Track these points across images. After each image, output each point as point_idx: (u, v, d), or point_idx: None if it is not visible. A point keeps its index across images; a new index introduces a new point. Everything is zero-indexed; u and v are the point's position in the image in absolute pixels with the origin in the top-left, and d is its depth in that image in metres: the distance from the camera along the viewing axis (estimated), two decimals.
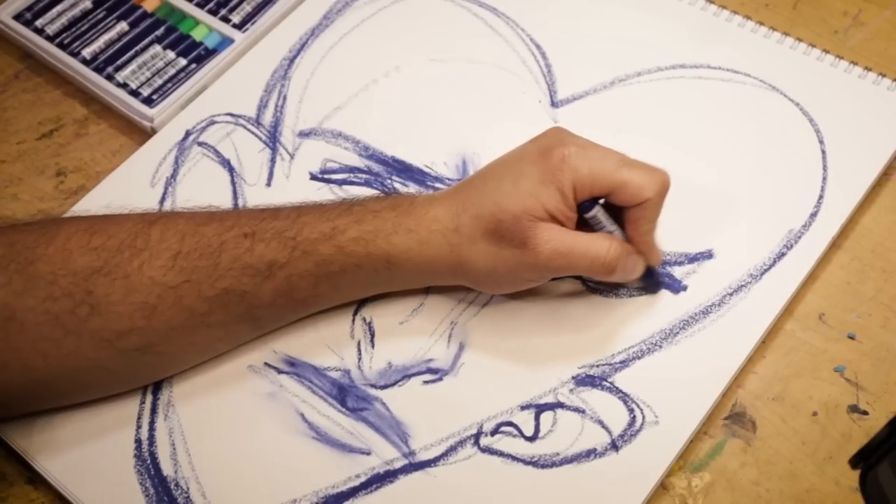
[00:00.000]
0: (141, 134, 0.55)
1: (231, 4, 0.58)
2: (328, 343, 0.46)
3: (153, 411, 0.45)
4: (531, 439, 0.43)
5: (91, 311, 0.40)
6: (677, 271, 0.47)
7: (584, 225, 0.43)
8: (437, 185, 0.51)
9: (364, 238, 0.42)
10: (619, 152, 0.43)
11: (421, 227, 0.43)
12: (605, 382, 0.44)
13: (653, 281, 0.46)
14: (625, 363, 0.44)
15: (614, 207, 0.43)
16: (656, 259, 0.45)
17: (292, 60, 0.56)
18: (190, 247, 0.41)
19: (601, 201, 0.43)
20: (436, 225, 0.42)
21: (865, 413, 0.43)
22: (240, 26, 0.57)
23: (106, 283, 0.40)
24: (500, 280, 0.43)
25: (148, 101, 0.55)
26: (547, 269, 0.42)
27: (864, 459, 0.35)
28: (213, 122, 0.54)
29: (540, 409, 0.44)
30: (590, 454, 0.42)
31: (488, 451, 0.43)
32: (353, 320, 0.47)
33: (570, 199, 0.42)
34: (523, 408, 0.44)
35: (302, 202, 0.45)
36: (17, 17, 0.58)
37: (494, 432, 0.43)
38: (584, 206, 0.42)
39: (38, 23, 0.58)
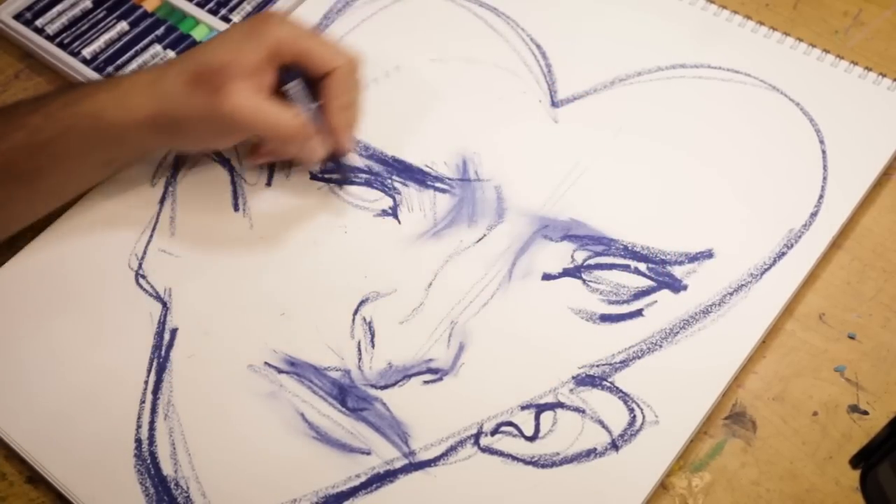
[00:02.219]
0: None
1: (231, 4, 0.58)
2: (328, 343, 0.46)
3: (153, 411, 0.45)
4: (531, 439, 0.43)
5: None
6: (677, 271, 0.47)
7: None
8: (437, 184, 0.51)
9: (70, 102, 0.45)
10: (320, 33, 0.49)
11: (125, 82, 0.45)
12: (605, 382, 0.44)
13: (341, 169, 0.47)
14: (625, 363, 0.44)
15: (315, 89, 0.46)
16: (345, 144, 0.47)
17: None
18: None
19: (300, 80, 0.46)
20: (140, 78, 0.45)
21: (866, 413, 0.43)
22: None
23: None
24: (191, 131, 0.46)
25: None
26: (232, 122, 0.44)
27: (865, 459, 0.35)
28: None
29: (540, 408, 0.43)
30: (590, 454, 0.42)
31: (488, 450, 0.43)
32: (353, 320, 0.47)
33: (272, 54, 0.44)
34: (523, 408, 0.44)
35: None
36: (18, 17, 0.58)
37: (494, 432, 0.43)
38: (284, 78, 0.45)
39: (39, 22, 0.58)
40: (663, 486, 0.42)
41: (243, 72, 0.44)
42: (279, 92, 0.46)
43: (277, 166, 0.52)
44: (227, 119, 0.44)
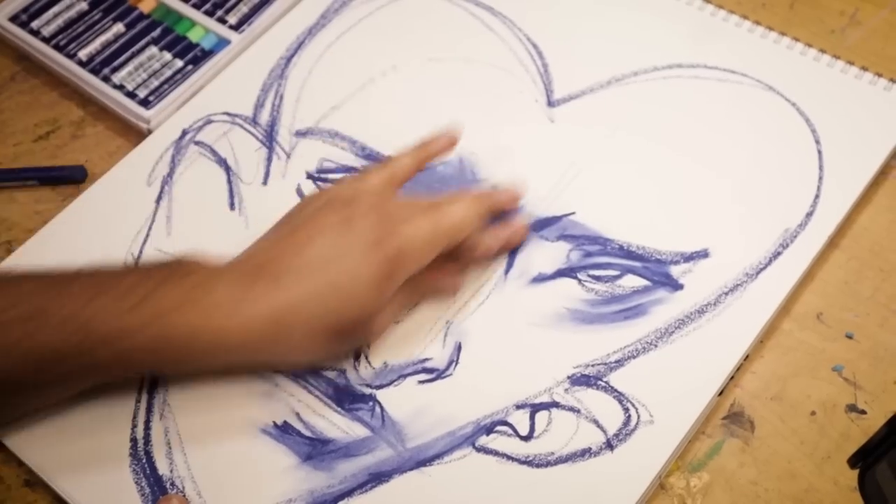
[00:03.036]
0: (138, 136, 0.55)
1: (227, 5, 0.58)
2: None
3: (149, 410, 0.45)
4: (526, 439, 0.43)
5: None
6: (673, 270, 0.47)
7: None
8: (434, 184, 0.50)
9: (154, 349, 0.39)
10: (434, 202, 0.43)
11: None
12: (600, 382, 0.44)
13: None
14: (620, 362, 0.44)
15: None
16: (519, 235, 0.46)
17: (289, 60, 0.56)
18: None
19: None
20: (250, 335, 0.40)
21: (864, 412, 0.43)
22: (236, 27, 0.57)
23: None
24: (323, 363, 0.44)
25: (144, 103, 0.55)
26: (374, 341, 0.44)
27: (863, 459, 0.35)
28: (209, 122, 0.54)
29: (535, 408, 0.43)
30: (585, 453, 0.42)
31: (483, 450, 0.43)
32: None
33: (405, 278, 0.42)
34: (518, 407, 0.43)
35: (100, 267, 0.41)
36: (13, 19, 0.58)
37: (489, 432, 0.43)
38: None
39: (34, 24, 0.58)
40: (661, 486, 0.42)
41: (381, 309, 0.41)
42: None
43: (273, 166, 0.52)
44: (370, 343, 0.44)
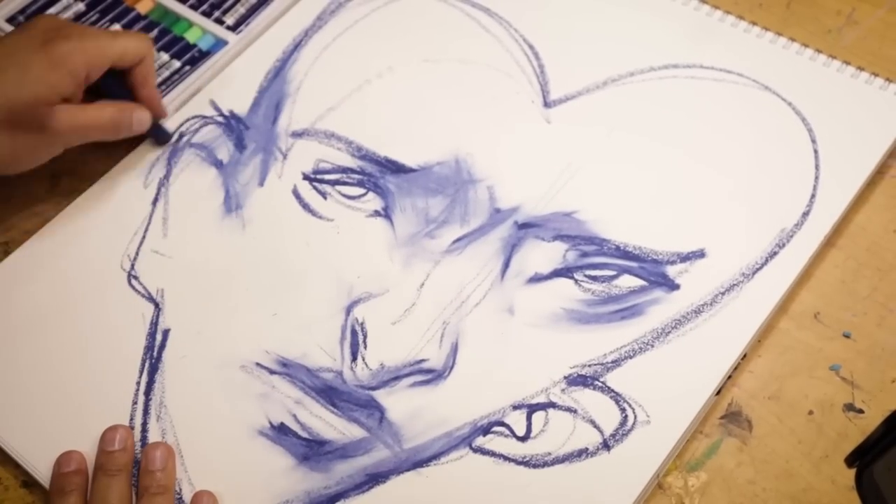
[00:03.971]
0: (136, 136, 0.55)
1: (225, 6, 0.58)
2: (320, 344, 0.46)
3: (145, 412, 0.45)
4: (523, 439, 0.43)
5: None
6: (670, 270, 0.47)
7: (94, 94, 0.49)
8: (430, 184, 0.50)
9: None
10: (101, 29, 0.52)
11: None
12: (596, 382, 0.44)
13: (161, 133, 0.53)
14: (617, 363, 0.44)
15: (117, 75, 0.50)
16: (162, 111, 0.52)
17: (286, 62, 0.56)
18: None
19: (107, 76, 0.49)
20: None
21: (861, 411, 0.43)
22: (233, 28, 0.57)
23: None
24: (22, 160, 0.48)
25: None
26: (68, 143, 0.48)
27: (860, 458, 0.35)
28: (206, 124, 0.54)
29: (532, 408, 0.43)
30: (581, 454, 0.42)
31: (480, 451, 0.43)
32: (346, 321, 0.46)
33: (81, 78, 0.47)
34: (515, 408, 0.43)
35: None
36: (11, 20, 0.58)
37: (486, 432, 0.43)
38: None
39: None
40: (659, 485, 0.42)
41: (58, 99, 0.46)
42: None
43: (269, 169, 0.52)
44: (64, 143, 0.48)
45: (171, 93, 0.55)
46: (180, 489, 0.43)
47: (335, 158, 0.52)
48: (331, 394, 0.45)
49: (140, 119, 0.51)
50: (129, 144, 0.55)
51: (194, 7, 0.58)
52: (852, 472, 0.36)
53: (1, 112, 0.45)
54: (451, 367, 0.45)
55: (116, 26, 0.58)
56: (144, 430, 0.44)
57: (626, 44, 0.54)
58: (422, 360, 0.45)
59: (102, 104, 0.49)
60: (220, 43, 0.57)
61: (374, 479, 0.42)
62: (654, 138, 0.51)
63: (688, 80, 0.53)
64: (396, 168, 0.51)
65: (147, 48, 0.51)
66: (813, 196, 0.48)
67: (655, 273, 0.46)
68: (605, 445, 0.42)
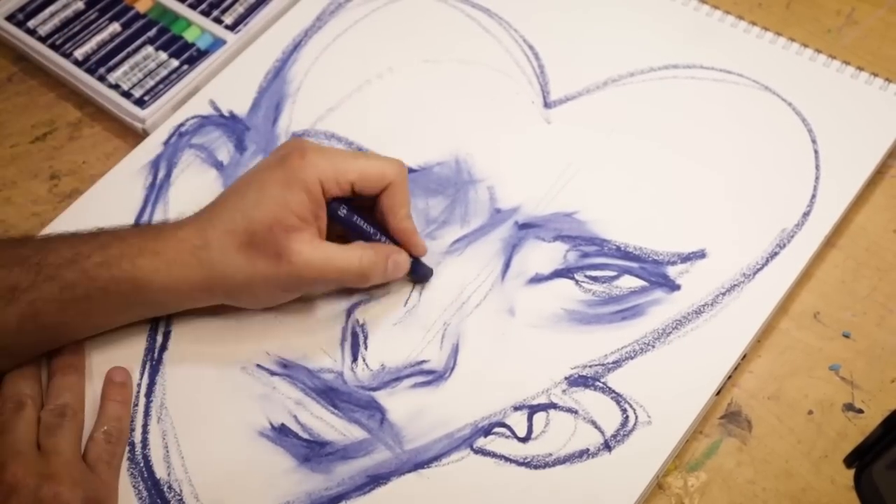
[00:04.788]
0: (135, 136, 0.55)
1: (223, 6, 0.58)
2: (321, 345, 0.46)
3: (146, 414, 0.45)
4: (524, 440, 0.43)
5: None
6: (670, 271, 0.47)
7: (342, 235, 0.44)
8: (431, 185, 0.50)
9: (108, 262, 0.42)
10: (348, 151, 0.46)
11: (168, 248, 0.42)
12: (597, 383, 0.44)
13: (420, 273, 0.46)
14: (617, 363, 0.44)
15: (368, 210, 0.44)
16: (419, 249, 0.45)
17: (285, 62, 0.56)
18: None
19: (343, 205, 0.44)
20: (183, 244, 0.42)
21: (860, 411, 0.43)
22: (232, 27, 0.57)
23: None
24: (258, 293, 0.44)
25: (140, 103, 0.55)
26: (301, 280, 0.42)
27: (860, 458, 0.35)
28: (205, 124, 0.54)
29: (533, 409, 0.43)
30: (582, 454, 0.42)
31: (481, 452, 0.43)
32: (347, 322, 0.46)
33: (318, 196, 0.42)
34: (516, 408, 0.43)
35: (51, 233, 0.45)
36: (10, 18, 0.58)
37: (487, 433, 0.43)
38: (332, 206, 0.43)
39: (31, 24, 0.58)
40: (659, 485, 0.42)
41: (299, 224, 0.41)
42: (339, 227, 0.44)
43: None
44: (298, 278, 0.42)
45: (168, 91, 0.55)
46: (181, 490, 0.43)
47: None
48: (331, 395, 0.45)
49: (397, 263, 0.44)
50: (129, 145, 0.55)
51: (193, 6, 0.58)
52: (852, 472, 0.36)
53: (242, 234, 0.41)
54: (452, 368, 0.45)
55: (115, 25, 0.58)
56: (145, 431, 0.44)
57: (626, 44, 0.54)
58: (422, 361, 0.45)
59: (354, 245, 0.43)
60: (218, 42, 0.57)
61: (376, 480, 0.42)
62: (654, 138, 0.51)
63: (688, 80, 0.53)
64: None
65: (395, 172, 0.43)
66: (813, 196, 0.48)
67: (656, 273, 0.47)
68: (607, 446, 0.42)
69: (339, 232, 0.44)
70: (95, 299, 0.42)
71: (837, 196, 0.48)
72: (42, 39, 0.57)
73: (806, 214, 0.48)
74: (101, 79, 0.56)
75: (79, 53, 0.57)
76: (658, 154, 0.50)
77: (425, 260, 0.46)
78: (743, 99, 0.52)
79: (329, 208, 0.43)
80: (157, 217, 0.51)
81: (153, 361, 0.46)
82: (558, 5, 0.56)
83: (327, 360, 0.45)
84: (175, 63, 0.56)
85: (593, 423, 0.43)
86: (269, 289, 0.43)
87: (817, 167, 0.49)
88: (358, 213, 0.44)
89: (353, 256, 0.43)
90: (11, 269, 0.41)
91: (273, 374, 0.45)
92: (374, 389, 0.44)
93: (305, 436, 0.44)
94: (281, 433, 0.44)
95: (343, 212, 0.43)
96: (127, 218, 0.51)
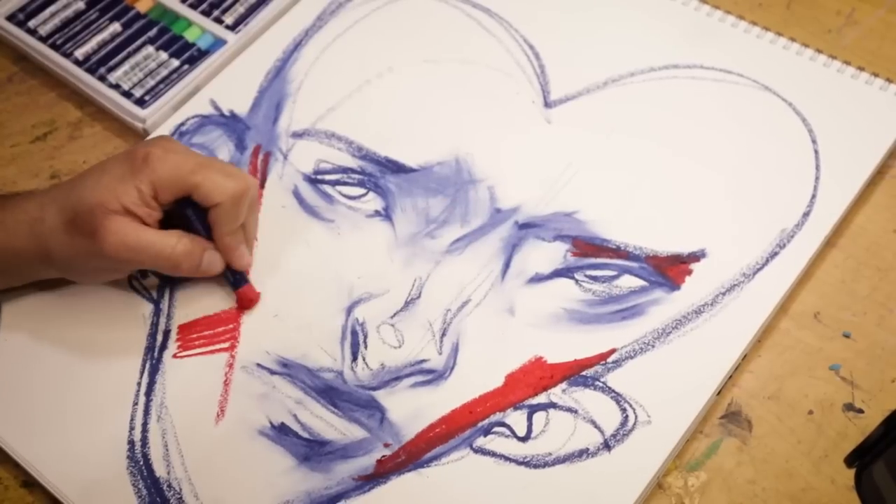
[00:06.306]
0: (135, 137, 0.55)
1: (224, 6, 0.58)
2: (321, 344, 0.46)
3: (146, 412, 0.45)
4: (524, 439, 0.43)
5: None
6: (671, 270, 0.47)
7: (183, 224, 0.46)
8: (432, 185, 0.50)
9: None
10: (210, 158, 0.46)
11: (10, 218, 0.45)
12: (597, 382, 0.44)
13: (234, 279, 0.47)
14: (617, 363, 0.44)
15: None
16: (237, 262, 0.47)
17: (286, 61, 0.56)
18: None
19: (190, 208, 0.45)
20: (23, 216, 0.45)
21: (861, 411, 0.43)
22: (233, 27, 0.57)
23: None
24: (81, 268, 0.46)
25: (140, 103, 0.55)
26: (115, 260, 0.44)
27: (860, 458, 0.35)
28: (206, 123, 0.54)
29: (532, 409, 0.43)
30: (582, 454, 0.42)
31: (481, 451, 0.43)
32: (346, 321, 0.46)
33: (150, 197, 0.44)
34: (516, 408, 0.43)
35: None
36: (10, 18, 0.58)
37: (487, 433, 0.43)
38: (180, 204, 0.45)
39: (31, 23, 0.58)
40: (659, 485, 0.42)
41: (121, 210, 0.43)
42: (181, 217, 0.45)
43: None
44: (109, 257, 0.44)
45: (169, 91, 0.55)
46: (181, 489, 0.43)
47: (336, 159, 0.52)
48: (331, 394, 0.45)
49: (211, 261, 0.46)
50: (129, 145, 0.55)
51: (193, 6, 0.58)
52: (852, 472, 0.36)
53: (69, 212, 0.44)
54: (452, 368, 0.45)
55: (116, 25, 0.58)
56: (145, 430, 0.44)
57: (626, 44, 0.54)
58: (422, 361, 0.45)
59: (171, 233, 0.45)
60: (218, 42, 0.57)
61: (375, 479, 0.42)
62: (654, 138, 0.51)
63: (688, 80, 0.53)
64: (397, 168, 0.51)
65: (228, 194, 0.44)
66: (813, 196, 0.48)
67: (656, 273, 0.47)
68: (606, 445, 0.42)
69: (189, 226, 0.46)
70: None
71: (838, 196, 0.48)
72: (43, 39, 0.57)
73: (806, 214, 0.48)
74: (102, 79, 0.56)
75: (79, 53, 0.57)
76: (658, 154, 0.51)
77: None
78: (743, 99, 0.52)
79: (180, 203, 0.45)
80: None
81: (153, 360, 0.46)
82: (559, 5, 0.56)
83: (327, 360, 0.45)
84: (175, 63, 0.56)
85: (593, 422, 0.43)
86: (88, 265, 0.45)
87: (817, 167, 0.49)
88: (198, 211, 0.45)
89: (169, 243, 0.44)
90: None
91: (273, 373, 0.45)
92: (374, 389, 0.44)
93: (305, 435, 0.44)
94: (281, 432, 0.44)
95: (185, 208, 0.45)
96: None
